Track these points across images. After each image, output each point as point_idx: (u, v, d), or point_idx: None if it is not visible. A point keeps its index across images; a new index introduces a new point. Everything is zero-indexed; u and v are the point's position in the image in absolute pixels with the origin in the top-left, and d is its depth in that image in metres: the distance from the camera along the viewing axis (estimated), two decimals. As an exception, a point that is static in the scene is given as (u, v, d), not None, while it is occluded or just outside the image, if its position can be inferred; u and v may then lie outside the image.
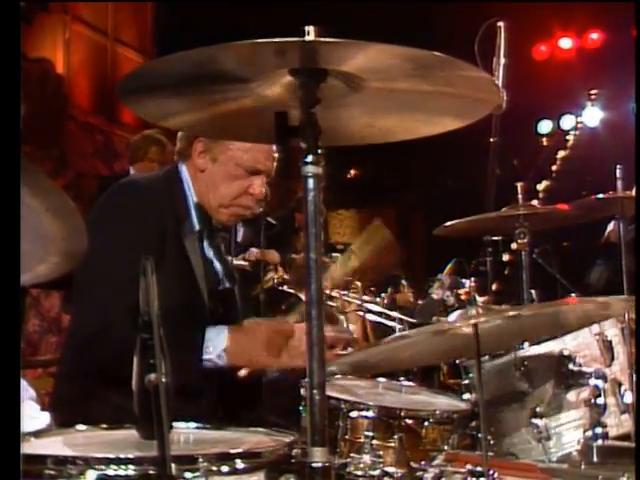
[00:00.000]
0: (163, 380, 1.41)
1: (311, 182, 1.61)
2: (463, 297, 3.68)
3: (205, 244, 2.82)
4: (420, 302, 5.41)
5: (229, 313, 2.87)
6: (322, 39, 1.51)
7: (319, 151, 1.61)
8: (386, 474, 2.41)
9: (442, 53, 1.53)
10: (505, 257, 5.01)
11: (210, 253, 2.83)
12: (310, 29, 1.52)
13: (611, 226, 4.86)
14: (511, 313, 1.89)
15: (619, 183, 3.26)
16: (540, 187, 11.39)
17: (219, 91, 1.68)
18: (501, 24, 3.55)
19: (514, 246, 3.46)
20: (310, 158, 1.61)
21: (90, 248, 1.46)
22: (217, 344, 2.58)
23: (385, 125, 1.86)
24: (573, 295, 3.95)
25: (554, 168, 12.14)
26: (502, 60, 3.49)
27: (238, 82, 1.65)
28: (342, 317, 4.43)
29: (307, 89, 1.61)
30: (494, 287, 4.06)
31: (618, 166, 3.27)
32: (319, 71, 1.60)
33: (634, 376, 2.59)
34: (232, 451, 1.65)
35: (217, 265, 2.86)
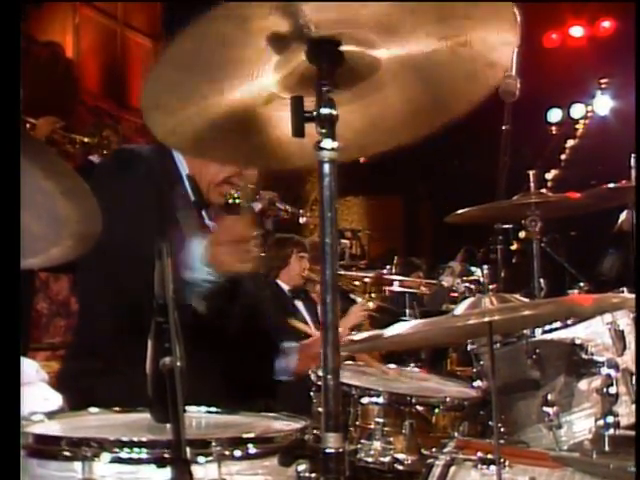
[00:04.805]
0: (178, 364, 1.41)
1: (327, 167, 1.60)
2: (473, 285, 3.67)
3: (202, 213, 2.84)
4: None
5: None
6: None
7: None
8: (396, 460, 2.41)
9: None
10: (513, 246, 4.99)
11: (207, 221, 2.86)
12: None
13: (624, 215, 4.83)
14: (526, 313, 1.89)
15: (633, 172, 3.23)
16: (549, 176, 11.33)
17: (232, 77, 1.67)
18: (516, 10, 3.53)
19: (522, 235, 3.43)
20: (326, 143, 1.60)
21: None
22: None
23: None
24: (582, 284, 3.93)
25: (563, 157, 12.08)
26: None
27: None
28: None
29: (324, 72, 1.60)
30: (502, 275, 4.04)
31: (633, 155, 3.25)
32: (332, 42, 1.58)
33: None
34: (245, 436, 1.65)
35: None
